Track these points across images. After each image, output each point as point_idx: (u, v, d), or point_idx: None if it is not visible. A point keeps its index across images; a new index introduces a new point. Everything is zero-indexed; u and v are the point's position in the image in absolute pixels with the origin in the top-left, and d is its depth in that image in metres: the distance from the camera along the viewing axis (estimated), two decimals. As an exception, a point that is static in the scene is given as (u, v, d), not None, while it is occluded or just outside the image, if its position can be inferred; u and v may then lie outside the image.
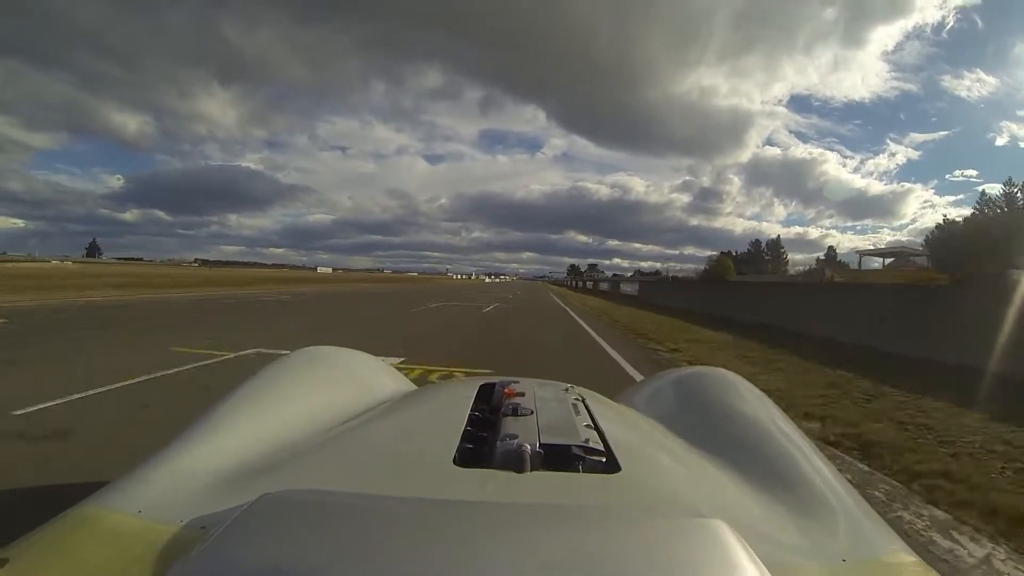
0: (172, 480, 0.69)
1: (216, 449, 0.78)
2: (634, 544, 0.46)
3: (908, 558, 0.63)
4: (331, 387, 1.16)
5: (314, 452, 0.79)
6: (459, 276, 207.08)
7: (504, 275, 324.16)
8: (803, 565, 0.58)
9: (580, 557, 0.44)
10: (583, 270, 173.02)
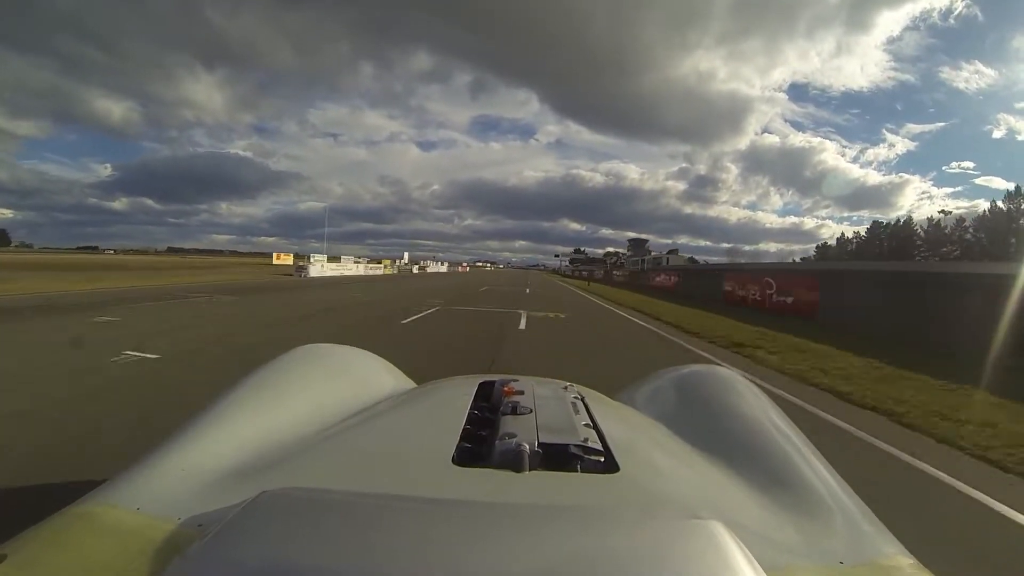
0: (171, 477, 0.69)
1: (215, 447, 0.78)
2: (631, 545, 0.46)
3: (905, 560, 0.63)
4: (330, 385, 1.15)
5: (313, 450, 0.79)
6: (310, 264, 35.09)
7: (488, 263, 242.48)
8: (800, 567, 0.58)
9: (577, 558, 0.44)
10: (620, 256, 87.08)
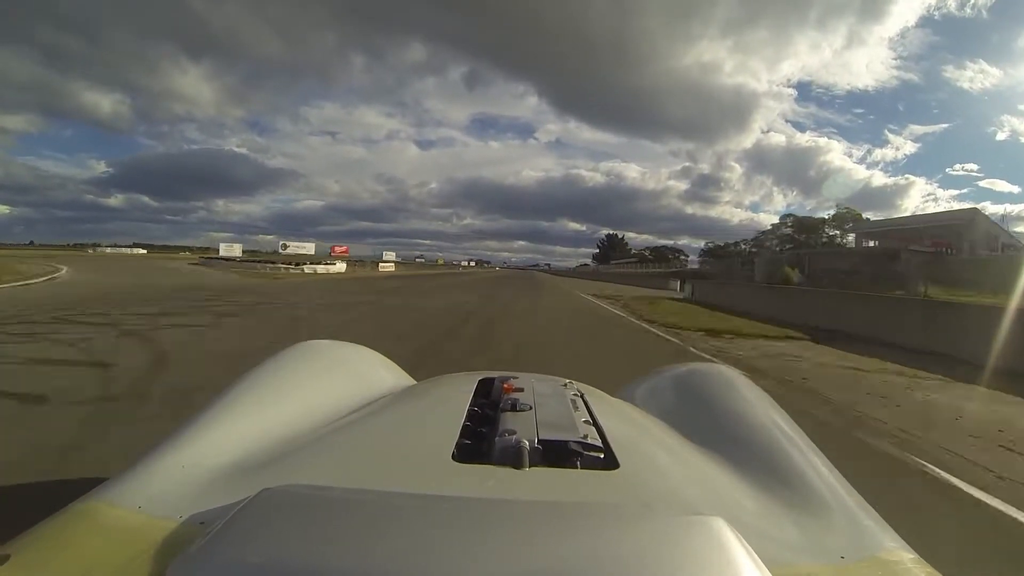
0: (172, 475, 0.69)
1: (215, 444, 0.78)
2: (632, 542, 0.46)
3: (907, 555, 0.63)
4: (330, 381, 1.15)
5: (313, 447, 0.79)
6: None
7: (478, 261, 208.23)
8: (802, 563, 0.58)
9: (578, 555, 0.44)
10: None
